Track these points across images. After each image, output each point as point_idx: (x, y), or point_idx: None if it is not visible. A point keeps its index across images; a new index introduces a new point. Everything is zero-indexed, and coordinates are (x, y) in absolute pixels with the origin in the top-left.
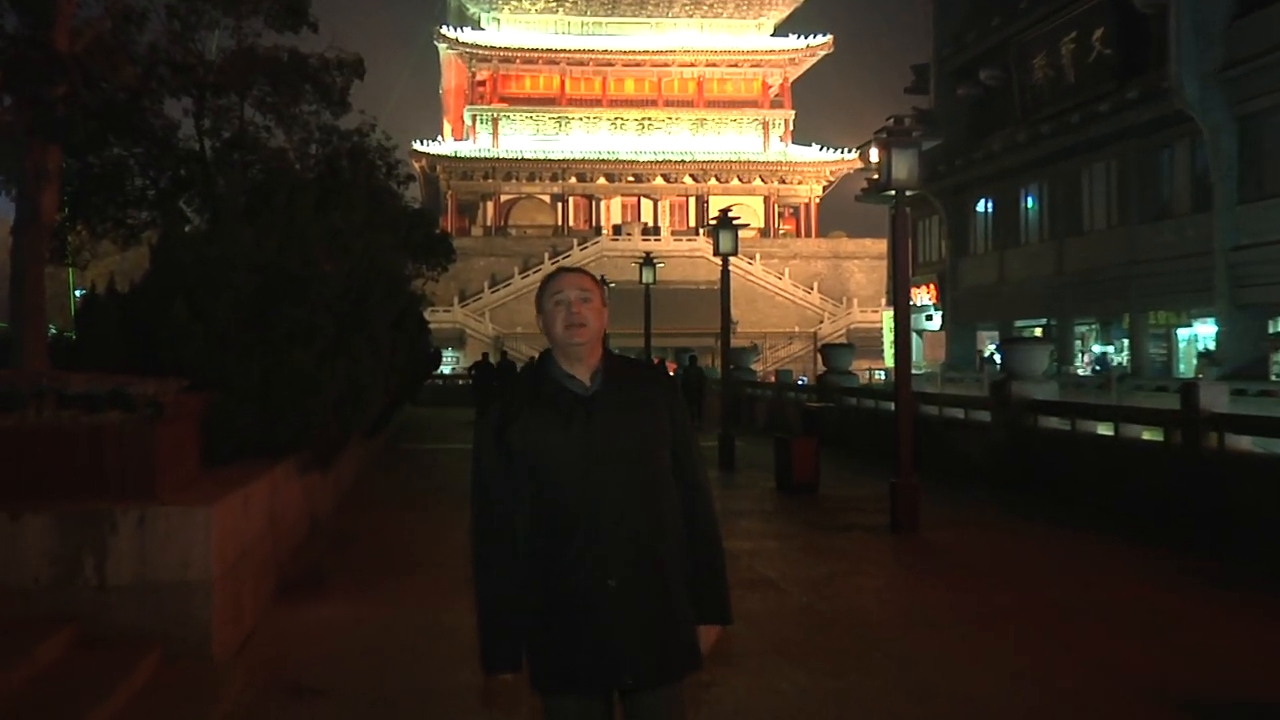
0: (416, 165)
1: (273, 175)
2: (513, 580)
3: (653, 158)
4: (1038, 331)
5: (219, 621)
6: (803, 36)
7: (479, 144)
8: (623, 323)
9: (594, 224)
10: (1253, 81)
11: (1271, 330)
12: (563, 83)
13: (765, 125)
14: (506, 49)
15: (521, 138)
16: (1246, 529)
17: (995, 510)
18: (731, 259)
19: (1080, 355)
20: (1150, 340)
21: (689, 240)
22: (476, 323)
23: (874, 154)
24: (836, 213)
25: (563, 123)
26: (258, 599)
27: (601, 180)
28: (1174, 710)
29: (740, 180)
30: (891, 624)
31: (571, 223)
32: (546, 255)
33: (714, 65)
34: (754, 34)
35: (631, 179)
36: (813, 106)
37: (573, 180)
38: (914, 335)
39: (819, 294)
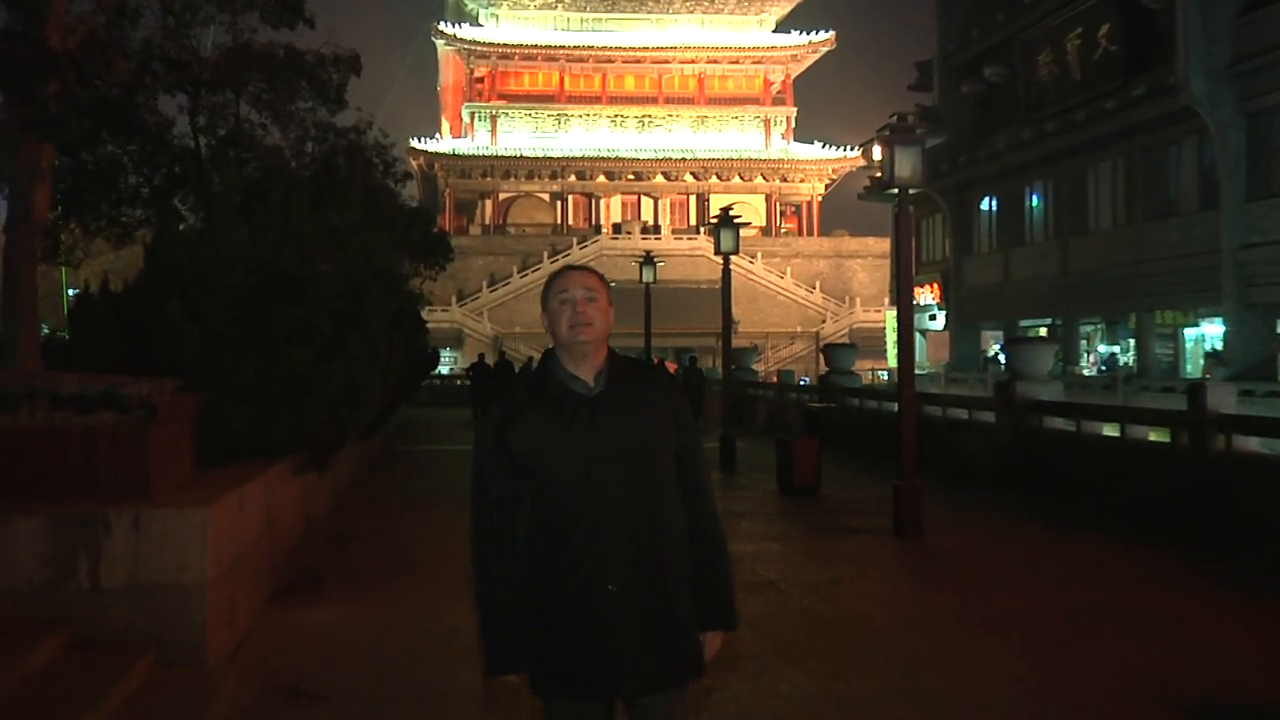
0: (414, 163)
1: (268, 173)
2: (513, 581)
3: (653, 155)
4: (1043, 331)
5: (214, 624)
6: (805, 33)
7: (477, 142)
8: (623, 322)
9: (594, 222)
10: (1261, 77)
11: None
12: (562, 80)
13: (767, 122)
14: (505, 45)
15: (520, 135)
16: (1254, 531)
17: (1000, 512)
18: (733, 258)
19: (1086, 355)
20: (1157, 340)
21: (690, 239)
22: (474, 322)
23: (877, 152)
24: (839, 211)
25: (562, 120)
26: (253, 601)
27: (601, 178)
28: (1182, 714)
29: (741, 178)
30: (894, 627)
31: (571, 221)
32: (545, 254)
33: (715, 62)
34: (755, 30)
35: (631, 177)
36: (815, 104)
37: (572, 178)
38: (917, 335)
39: (821, 293)
